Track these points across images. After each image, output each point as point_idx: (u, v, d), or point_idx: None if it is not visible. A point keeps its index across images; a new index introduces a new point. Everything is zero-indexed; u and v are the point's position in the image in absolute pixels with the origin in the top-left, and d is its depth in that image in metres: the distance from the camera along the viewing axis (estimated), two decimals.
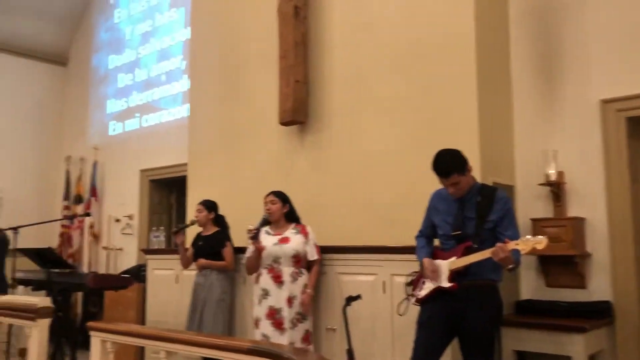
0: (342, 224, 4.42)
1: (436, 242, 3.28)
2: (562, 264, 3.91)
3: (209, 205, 4.71)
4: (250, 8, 5.48)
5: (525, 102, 4.29)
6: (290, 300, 3.88)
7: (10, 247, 5.58)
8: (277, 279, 3.94)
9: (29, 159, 8.97)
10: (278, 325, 3.86)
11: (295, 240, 4.00)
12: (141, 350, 5.37)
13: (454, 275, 2.97)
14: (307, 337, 3.92)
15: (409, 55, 4.27)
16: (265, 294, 3.96)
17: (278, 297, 3.90)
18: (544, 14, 4.29)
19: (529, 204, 4.13)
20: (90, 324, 3.13)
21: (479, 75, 3.92)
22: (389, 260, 3.79)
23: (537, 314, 3.80)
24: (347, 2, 4.77)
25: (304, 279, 3.97)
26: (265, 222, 4.13)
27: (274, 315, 3.89)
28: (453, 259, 2.98)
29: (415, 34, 4.25)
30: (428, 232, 3.27)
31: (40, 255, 5.01)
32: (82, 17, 9.41)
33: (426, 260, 3.08)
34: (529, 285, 4.11)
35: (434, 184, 3.18)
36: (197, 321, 4.38)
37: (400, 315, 3.23)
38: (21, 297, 4.26)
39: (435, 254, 3.14)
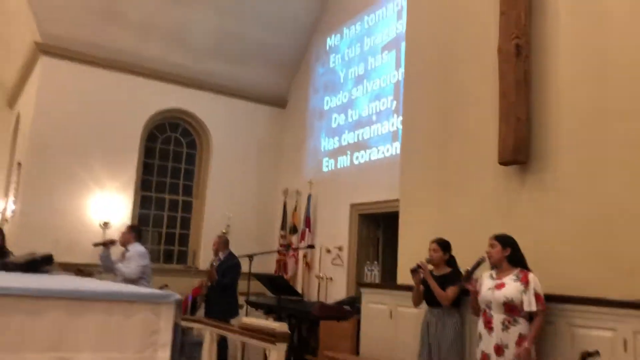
0: (572, 272, 4.16)
1: None
2: None
3: (445, 245, 4.64)
4: (466, 47, 5.52)
5: None
6: (499, 349, 3.73)
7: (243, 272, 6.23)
8: (488, 325, 3.84)
9: (252, 190, 9.99)
10: None
11: (510, 287, 3.81)
12: None
13: None
14: None
15: None
16: (480, 337, 3.91)
17: (488, 343, 3.81)
18: None
19: None
20: (327, 353, 3.35)
21: None
22: (633, 316, 3.46)
23: None
24: (575, 38, 4.57)
25: (519, 328, 3.74)
26: (479, 264, 4.06)
27: None
28: None
29: None
30: None
31: (272, 282, 5.50)
32: (300, 63, 10.34)
33: None
34: None
35: None
36: None
37: None
38: (261, 320, 4.71)
39: None
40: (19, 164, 9.21)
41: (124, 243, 5.76)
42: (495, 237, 4.05)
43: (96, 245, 5.86)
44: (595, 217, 4.14)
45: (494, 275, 4.00)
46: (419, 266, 4.54)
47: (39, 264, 3.71)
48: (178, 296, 2.40)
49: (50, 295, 2.08)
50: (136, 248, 5.74)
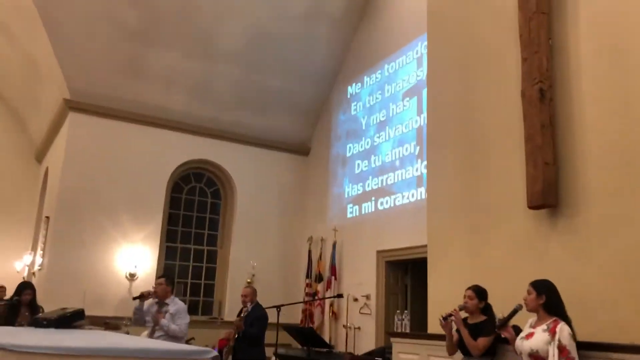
0: (608, 317, 4.03)
1: None
2: None
3: (481, 293, 4.45)
4: (488, 92, 5.53)
5: None
6: None
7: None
8: None
9: (276, 238, 9.97)
10: None
11: (537, 338, 3.66)
12: None
13: None
14: None
15: None
16: None
17: None
18: None
19: None
20: None
21: None
22: None
23: None
24: (597, 79, 4.57)
25: None
26: (515, 311, 3.94)
27: None
28: None
29: None
30: None
31: (301, 333, 5.41)
32: (322, 111, 10.47)
33: None
34: None
35: None
36: None
37: None
38: None
39: None
40: (47, 217, 9.35)
41: (164, 296, 5.59)
42: (532, 283, 3.94)
43: (135, 298, 5.60)
44: (629, 259, 4.04)
45: (532, 324, 3.89)
46: (449, 315, 4.43)
47: (71, 319, 3.70)
48: (215, 353, 2.36)
49: (92, 354, 2.06)
50: (179, 304, 5.53)
